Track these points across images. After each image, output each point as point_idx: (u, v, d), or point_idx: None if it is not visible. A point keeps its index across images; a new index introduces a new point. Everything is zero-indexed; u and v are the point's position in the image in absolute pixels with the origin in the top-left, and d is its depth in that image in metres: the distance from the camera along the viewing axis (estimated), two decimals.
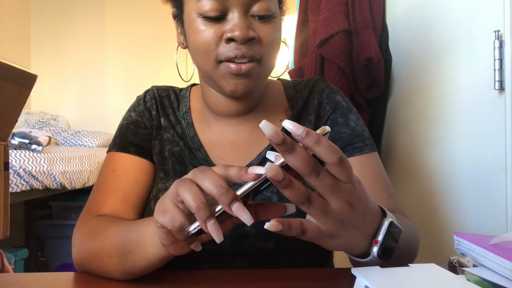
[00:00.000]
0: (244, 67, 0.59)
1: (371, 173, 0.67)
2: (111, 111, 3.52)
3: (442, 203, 0.95)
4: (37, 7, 3.69)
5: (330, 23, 1.16)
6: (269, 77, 0.73)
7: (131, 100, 0.80)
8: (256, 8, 0.59)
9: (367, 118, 1.22)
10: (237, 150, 0.69)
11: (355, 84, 1.20)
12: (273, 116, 0.71)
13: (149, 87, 0.80)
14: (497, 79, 0.75)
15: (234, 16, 0.58)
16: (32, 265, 2.36)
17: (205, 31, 0.59)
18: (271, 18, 0.60)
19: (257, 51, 0.59)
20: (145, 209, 0.68)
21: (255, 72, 0.61)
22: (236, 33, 0.57)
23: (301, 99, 0.72)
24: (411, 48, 1.11)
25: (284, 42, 0.72)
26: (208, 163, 0.67)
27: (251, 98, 0.69)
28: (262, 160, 0.62)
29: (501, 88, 0.75)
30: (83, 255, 0.58)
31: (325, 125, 0.69)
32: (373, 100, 1.21)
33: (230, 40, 0.58)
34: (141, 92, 0.79)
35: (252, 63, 0.59)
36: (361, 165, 0.67)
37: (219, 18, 0.59)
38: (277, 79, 0.78)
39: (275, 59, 0.65)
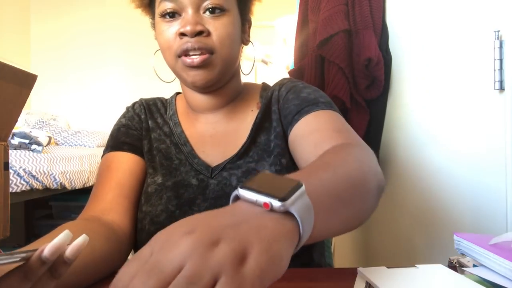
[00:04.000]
0: (196, 60, 0.65)
1: (317, 123, 0.64)
2: (111, 111, 3.52)
3: (442, 203, 0.95)
4: (37, 7, 3.68)
5: (330, 23, 1.16)
6: (253, 82, 0.82)
7: (131, 99, 0.84)
8: (206, 3, 0.66)
9: (367, 118, 1.22)
10: (215, 142, 0.74)
11: (355, 84, 1.20)
12: (246, 108, 0.77)
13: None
14: (497, 79, 0.75)
15: (186, 14, 0.66)
16: None
17: (165, 31, 0.68)
18: (222, 13, 0.66)
19: (207, 43, 0.66)
20: (139, 197, 0.71)
21: (210, 63, 0.66)
22: (187, 28, 0.64)
23: (270, 91, 0.77)
24: (411, 48, 1.11)
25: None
26: (193, 155, 0.73)
27: (224, 93, 0.75)
28: None
29: (501, 88, 0.75)
30: None
31: (279, 105, 0.71)
32: (373, 100, 1.21)
33: (182, 35, 0.65)
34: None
35: (205, 55, 0.65)
36: (306, 123, 0.65)
37: (175, 17, 0.67)
38: (262, 83, 0.84)
39: (232, 52, 0.69)
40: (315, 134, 0.63)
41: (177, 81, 0.80)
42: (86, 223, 0.62)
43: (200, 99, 0.75)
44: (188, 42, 0.65)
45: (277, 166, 0.67)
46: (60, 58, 3.68)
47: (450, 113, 0.93)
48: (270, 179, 0.34)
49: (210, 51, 0.66)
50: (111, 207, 0.66)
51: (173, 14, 0.67)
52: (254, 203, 0.32)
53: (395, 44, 1.19)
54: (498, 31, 0.75)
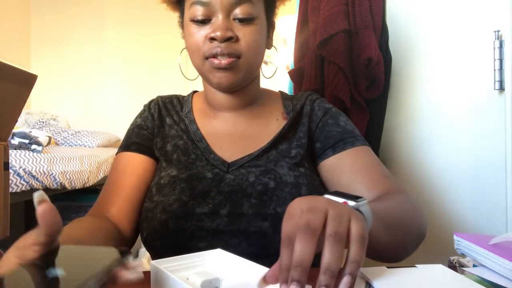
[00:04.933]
0: (224, 61, 0.68)
1: (364, 161, 0.71)
2: (111, 111, 3.52)
3: (442, 203, 0.95)
4: (38, 7, 3.69)
5: (330, 23, 1.16)
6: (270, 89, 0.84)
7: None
8: (237, 11, 0.69)
9: (366, 118, 1.22)
10: (234, 140, 0.75)
11: (355, 84, 1.20)
12: (269, 115, 0.79)
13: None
14: (497, 79, 0.75)
15: (217, 19, 0.69)
16: None
17: (195, 33, 0.70)
18: (251, 21, 0.69)
19: (236, 49, 0.68)
20: (141, 200, 0.73)
21: (236, 66, 0.69)
22: (217, 33, 0.67)
23: (299, 105, 0.79)
24: (411, 48, 1.11)
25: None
26: (209, 151, 0.74)
27: (245, 94, 0.77)
28: None
29: (501, 88, 0.75)
30: None
31: (317, 127, 0.76)
32: (373, 100, 1.21)
33: (212, 39, 0.68)
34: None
35: (232, 58, 0.68)
36: (352, 157, 0.71)
37: (205, 21, 0.69)
38: (279, 91, 0.86)
39: (257, 57, 0.73)
40: (365, 175, 0.68)
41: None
42: (96, 220, 0.65)
43: (221, 98, 0.77)
44: (218, 47, 0.68)
45: (296, 171, 0.69)
46: (60, 58, 3.68)
47: (450, 113, 0.93)
48: (345, 193, 0.47)
49: (238, 56, 0.69)
50: (113, 208, 0.70)
51: (203, 20, 0.69)
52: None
53: (395, 44, 1.19)
54: (498, 31, 0.75)
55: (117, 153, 0.79)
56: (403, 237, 0.58)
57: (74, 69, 3.67)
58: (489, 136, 0.79)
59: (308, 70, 1.25)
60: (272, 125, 0.77)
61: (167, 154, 0.76)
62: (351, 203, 0.44)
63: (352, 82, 1.19)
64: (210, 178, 0.69)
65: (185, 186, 0.68)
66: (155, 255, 0.70)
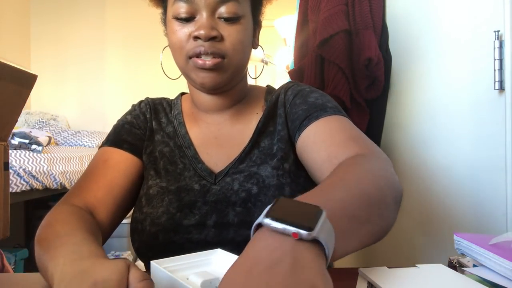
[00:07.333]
0: (208, 62, 0.66)
1: (327, 129, 0.64)
2: (111, 111, 3.52)
3: (442, 203, 0.95)
4: (37, 6, 3.69)
5: (330, 23, 1.16)
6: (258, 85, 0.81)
7: (131, 99, 0.83)
8: (222, 10, 0.66)
9: (366, 118, 1.22)
10: (220, 144, 0.74)
11: (355, 84, 1.20)
12: (252, 111, 0.77)
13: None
14: (497, 79, 0.75)
15: (201, 17, 0.66)
16: (32, 265, 2.36)
17: (178, 31, 0.68)
18: (236, 20, 0.67)
19: (220, 48, 0.66)
20: (128, 204, 0.71)
21: (221, 67, 0.67)
22: (201, 32, 0.65)
23: (274, 95, 0.76)
24: (411, 48, 1.11)
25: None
26: (197, 160, 0.72)
27: (231, 94, 0.75)
28: None
29: (501, 88, 0.75)
30: (36, 256, 0.56)
31: (287, 112, 0.71)
32: (373, 100, 1.21)
33: (196, 38, 0.66)
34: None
35: (217, 59, 0.66)
36: (315, 130, 0.65)
37: (189, 19, 0.67)
38: (266, 86, 0.83)
39: (243, 57, 0.70)
40: (327, 142, 0.62)
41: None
42: (83, 213, 0.62)
43: (206, 99, 0.75)
44: (201, 46, 0.65)
45: (280, 170, 0.67)
46: (60, 58, 3.68)
47: (450, 113, 0.93)
48: (292, 206, 0.36)
49: (222, 56, 0.66)
50: (99, 206, 0.66)
51: (187, 17, 0.67)
52: (282, 233, 0.34)
53: (395, 44, 1.19)
54: (498, 31, 0.75)
55: (103, 146, 0.74)
56: (379, 217, 0.47)
57: (74, 68, 3.67)
58: (489, 136, 0.79)
59: (308, 70, 1.25)
60: (252, 120, 0.75)
61: (155, 162, 0.73)
62: (304, 233, 0.33)
63: (352, 82, 1.19)
64: (197, 189, 0.68)
65: (173, 198, 0.67)
66: (148, 265, 0.70)
